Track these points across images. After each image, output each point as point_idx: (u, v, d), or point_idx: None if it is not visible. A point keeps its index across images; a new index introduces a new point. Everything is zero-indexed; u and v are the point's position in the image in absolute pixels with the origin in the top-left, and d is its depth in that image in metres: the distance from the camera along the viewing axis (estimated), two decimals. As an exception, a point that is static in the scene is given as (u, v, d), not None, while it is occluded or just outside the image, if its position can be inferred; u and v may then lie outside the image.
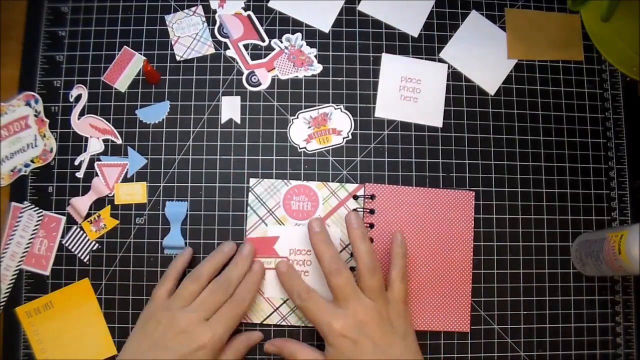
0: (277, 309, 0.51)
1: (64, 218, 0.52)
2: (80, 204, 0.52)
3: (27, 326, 0.50)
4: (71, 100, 0.54)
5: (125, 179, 0.53)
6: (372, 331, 0.43)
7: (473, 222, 0.53)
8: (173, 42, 0.55)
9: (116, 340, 0.51)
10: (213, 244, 0.52)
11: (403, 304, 0.46)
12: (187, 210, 0.52)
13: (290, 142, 0.54)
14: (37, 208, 0.52)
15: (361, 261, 0.45)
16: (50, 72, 0.54)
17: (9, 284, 0.51)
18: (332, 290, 0.45)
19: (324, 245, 0.46)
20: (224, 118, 0.54)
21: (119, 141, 0.54)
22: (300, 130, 0.54)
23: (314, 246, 0.47)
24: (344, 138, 0.54)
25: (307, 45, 0.56)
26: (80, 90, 0.54)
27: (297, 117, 0.54)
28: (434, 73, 0.55)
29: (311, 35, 0.56)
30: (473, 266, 0.53)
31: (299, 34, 0.56)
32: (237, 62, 0.55)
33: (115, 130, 0.54)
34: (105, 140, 0.54)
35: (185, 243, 0.52)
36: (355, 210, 0.52)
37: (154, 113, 0.54)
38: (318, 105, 0.55)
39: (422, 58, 0.56)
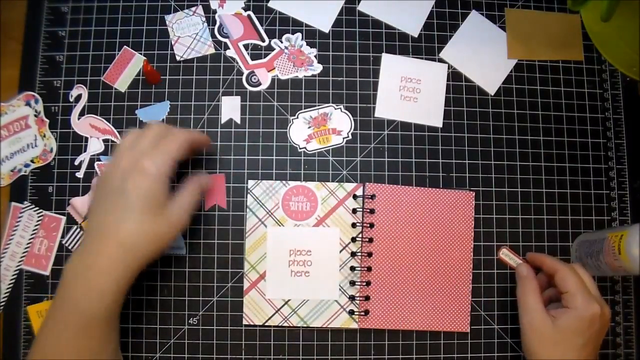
0: (279, 310, 0.51)
1: (64, 218, 0.52)
2: (80, 204, 0.52)
3: (37, 326, 0.50)
4: (71, 100, 0.54)
5: (125, 179, 0.53)
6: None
7: (473, 222, 0.53)
8: (173, 42, 0.55)
9: (116, 340, 0.51)
10: (213, 244, 0.52)
11: None
12: (187, 210, 0.52)
13: (290, 142, 0.54)
14: (37, 208, 0.52)
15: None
16: (50, 72, 0.54)
17: (9, 284, 0.51)
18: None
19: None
20: (224, 118, 0.54)
21: (119, 141, 0.54)
22: (300, 130, 0.54)
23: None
24: (344, 138, 0.54)
25: (307, 45, 0.56)
26: (80, 90, 0.54)
27: (297, 117, 0.54)
28: (434, 73, 0.55)
29: (311, 35, 0.56)
30: (473, 266, 0.53)
31: (299, 34, 0.56)
32: (237, 62, 0.55)
33: (115, 130, 0.54)
34: (105, 140, 0.54)
35: (185, 243, 0.52)
36: (354, 210, 0.52)
37: (154, 113, 0.54)
38: (318, 105, 0.55)
39: (422, 58, 0.56)
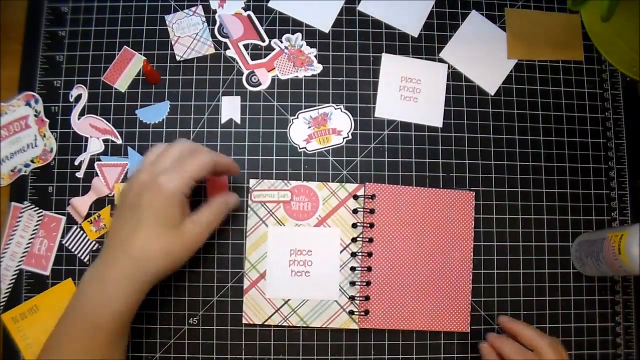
0: (279, 309, 0.51)
1: (64, 218, 0.52)
2: (80, 204, 0.52)
3: (14, 332, 0.50)
4: (71, 100, 0.54)
5: (126, 179, 0.53)
6: None
7: (473, 222, 0.53)
8: (173, 42, 0.55)
9: (116, 340, 0.51)
10: (213, 244, 0.52)
11: None
12: (187, 210, 0.52)
13: (290, 142, 0.54)
14: (37, 208, 0.52)
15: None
16: (50, 72, 0.54)
17: (9, 284, 0.51)
18: None
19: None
20: (224, 118, 0.54)
21: (119, 141, 0.54)
22: (300, 130, 0.54)
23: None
24: (344, 138, 0.54)
25: (307, 45, 0.56)
26: (80, 90, 0.54)
27: (297, 117, 0.54)
28: (434, 73, 0.55)
29: (311, 35, 0.56)
30: (473, 266, 0.53)
31: (299, 34, 0.56)
32: (237, 62, 0.55)
33: (115, 130, 0.54)
34: (105, 140, 0.54)
35: (185, 243, 0.52)
36: (355, 210, 0.52)
37: (154, 113, 0.54)
38: (318, 105, 0.55)
39: (422, 58, 0.56)
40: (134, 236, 0.42)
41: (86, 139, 0.54)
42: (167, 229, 0.42)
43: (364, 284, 0.51)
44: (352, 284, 0.51)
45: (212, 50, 0.55)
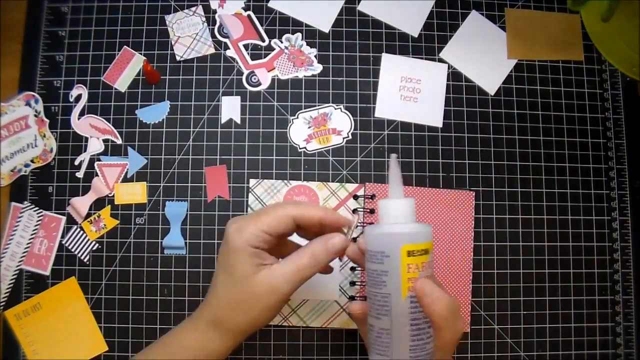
0: (277, 309, 0.51)
1: (64, 218, 0.52)
2: (80, 204, 0.52)
3: (17, 329, 0.50)
4: (71, 100, 0.54)
5: (125, 179, 0.53)
6: None
7: (473, 222, 0.53)
8: (173, 42, 0.55)
9: (116, 340, 0.51)
10: (213, 244, 0.52)
11: None
12: (187, 210, 0.52)
13: (290, 142, 0.54)
14: (37, 208, 0.52)
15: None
16: (50, 72, 0.54)
17: (9, 284, 0.51)
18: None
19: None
20: (224, 118, 0.54)
21: (119, 141, 0.54)
22: (300, 130, 0.54)
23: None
24: (344, 138, 0.54)
25: (307, 45, 0.56)
26: (80, 90, 0.54)
27: (297, 117, 0.54)
28: (434, 73, 0.55)
29: (311, 35, 0.56)
30: (473, 266, 0.53)
31: (299, 34, 0.56)
32: (237, 62, 0.55)
33: (115, 130, 0.54)
34: (105, 140, 0.54)
35: (185, 243, 0.52)
36: (355, 210, 0.52)
37: (154, 113, 0.54)
38: (318, 105, 0.55)
39: (422, 58, 0.56)
40: (210, 295, 0.41)
41: (86, 139, 0.54)
42: (236, 280, 0.39)
43: (364, 284, 0.51)
44: (352, 284, 0.51)
45: (212, 50, 0.55)
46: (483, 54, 0.56)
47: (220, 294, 0.40)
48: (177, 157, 0.53)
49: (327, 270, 0.43)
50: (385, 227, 0.36)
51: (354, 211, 0.52)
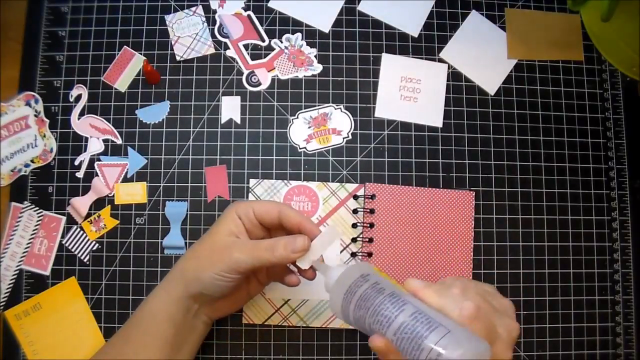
0: (279, 309, 0.51)
1: (64, 218, 0.52)
2: (80, 204, 0.52)
3: (17, 329, 0.50)
4: (71, 100, 0.54)
5: (125, 179, 0.53)
6: None
7: (473, 222, 0.53)
8: (173, 42, 0.55)
9: (116, 340, 0.51)
10: (213, 244, 0.52)
11: None
12: (187, 210, 0.52)
13: (290, 142, 0.54)
14: (37, 208, 0.52)
15: None
16: (50, 72, 0.54)
17: (9, 284, 0.51)
18: None
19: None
20: (224, 118, 0.54)
21: (119, 141, 0.54)
22: (300, 130, 0.54)
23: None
24: (344, 138, 0.54)
25: (307, 45, 0.56)
26: (80, 90, 0.54)
27: (297, 117, 0.54)
28: (434, 73, 0.55)
29: (311, 35, 0.56)
30: (473, 266, 0.53)
31: (299, 34, 0.56)
32: (237, 62, 0.55)
33: (115, 130, 0.54)
34: (105, 140, 0.54)
35: (185, 243, 0.52)
36: (355, 210, 0.52)
37: (154, 113, 0.54)
38: (318, 105, 0.55)
39: (422, 58, 0.56)
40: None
41: (86, 139, 0.54)
42: (208, 236, 0.44)
43: (364, 284, 0.51)
44: (352, 284, 0.51)
45: (212, 50, 0.55)
46: (483, 54, 0.56)
47: (192, 246, 0.45)
48: (177, 157, 0.53)
49: (309, 275, 0.44)
50: (334, 274, 0.38)
51: (355, 211, 0.52)
